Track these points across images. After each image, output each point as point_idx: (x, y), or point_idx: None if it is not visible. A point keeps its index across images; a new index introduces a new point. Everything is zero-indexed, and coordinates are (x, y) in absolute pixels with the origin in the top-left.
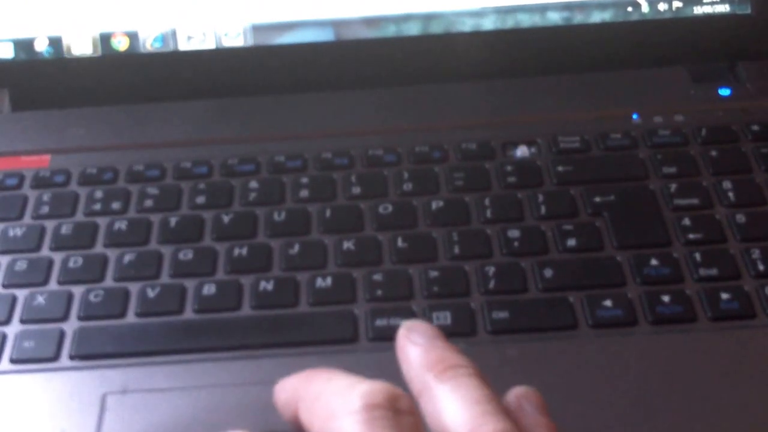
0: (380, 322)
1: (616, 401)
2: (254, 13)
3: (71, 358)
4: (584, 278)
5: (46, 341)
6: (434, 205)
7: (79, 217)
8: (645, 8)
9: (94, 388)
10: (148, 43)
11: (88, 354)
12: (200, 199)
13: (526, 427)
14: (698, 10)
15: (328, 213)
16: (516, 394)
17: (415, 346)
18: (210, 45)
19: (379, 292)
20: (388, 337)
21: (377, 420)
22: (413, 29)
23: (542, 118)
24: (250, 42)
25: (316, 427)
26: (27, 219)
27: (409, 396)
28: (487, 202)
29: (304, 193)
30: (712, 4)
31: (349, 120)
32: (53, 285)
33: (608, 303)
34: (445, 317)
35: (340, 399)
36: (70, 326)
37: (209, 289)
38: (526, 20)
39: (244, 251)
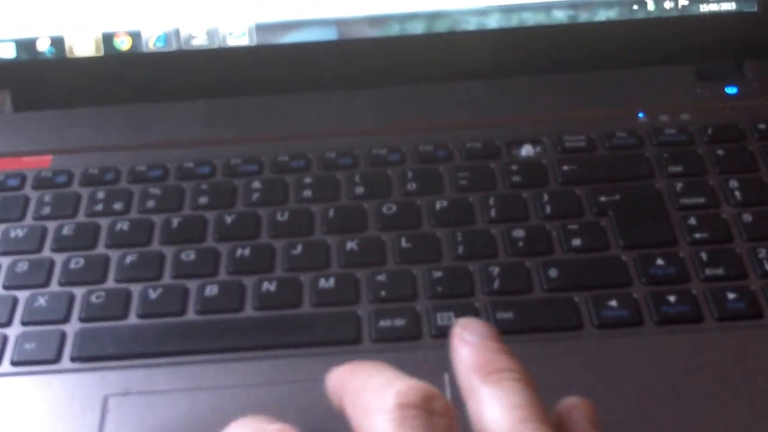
0: (384, 323)
1: (621, 402)
2: (258, 12)
3: (72, 359)
4: (589, 278)
5: (47, 343)
6: (438, 204)
7: (81, 217)
8: (651, 6)
9: (96, 390)
10: (151, 42)
11: (90, 356)
12: (203, 200)
13: None
14: (704, 8)
15: (331, 213)
16: (567, 404)
17: (466, 345)
18: (213, 44)
19: (383, 293)
20: (391, 338)
21: (409, 420)
22: (417, 28)
23: (547, 117)
24: (253, 41)
25: (355, 422)
26: (28, 220)
27: (445, 397)
28: (491, 201)
29: (307, 193)
30: (718, 2)
31: (352, 119)
32: (54, 286)
33: (614, 303)
34: (449, 318)
35: (376, 396)
36: (72, 328)
37: (211, 290)
38: (530, 19)
39: (247, 252)
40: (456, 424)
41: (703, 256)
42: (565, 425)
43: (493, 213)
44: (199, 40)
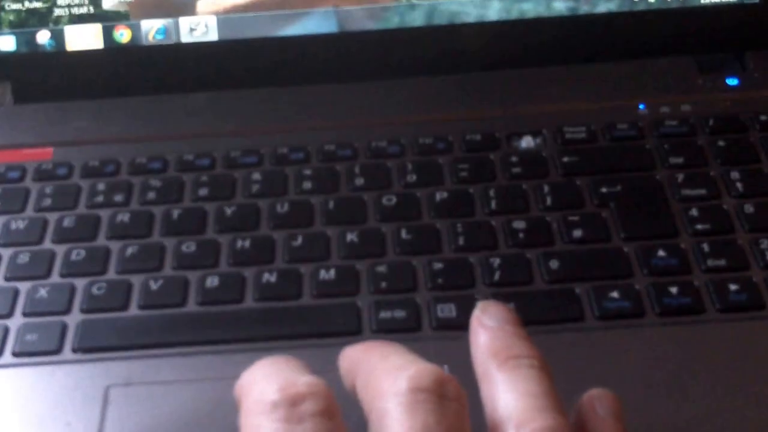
0: (384, 314)
1: (622, 393)
2: (257, 4)
3: (74, 351)
4: (591, 269)
5: (48, 334)
6: (438, 196)
7: (82, 209)
8: None
9: (97, 381)
10: (151, 35)
11: (91, 347)
12: (203, 192)
13: (592, 429)
14: None
15: (331, 205)
16: (590, 395)
17: (485, 330)
18: (213, 37)
19: (383, 284)
20: (392, 329)
21: (420, 404)
22: (417, 20)
23: (547, 108)
24: (253, 33)
25: (366, 403)
26: (29, 212)
27: (458, 382)
28: (491, 193)
29: (307, 184)
30: None
31: (352, 112)
32: (55, 278)
33: (615, 294)
34: (450, 309)
35: (389, 378)
36: (73, 319)
37: (212, 281)
38: (531, 10)
39: (247, 243)
40: (466, 408)
41: (705, 247)
42: (587, 418)
43: (493, 204)
44: (199, 33)
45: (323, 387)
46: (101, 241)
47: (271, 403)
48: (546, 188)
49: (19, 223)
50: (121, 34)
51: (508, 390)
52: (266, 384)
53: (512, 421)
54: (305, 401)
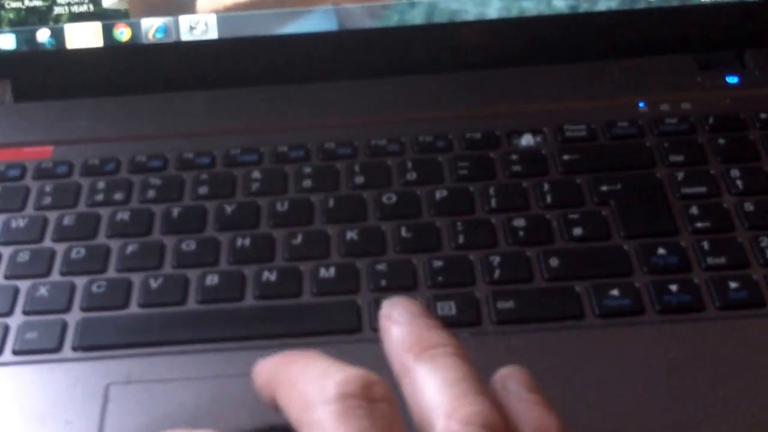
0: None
1: (622, 391)
2: (257, 2)
3: (74, 349)
4: (591, 267)
5: (48, 332)
6: (438, 194)
7: (82, 208)
8: None
9: (98, 379)
10: (151, 33)
11: (91, 345)
12: (203, 190)
13: (512, 407)
14: None
15: (331, 203)
16: (500, 375)
17: (396, 325)
18: (213, 35)
19: (383, 282)
20: None
21: (351, 410)
22: (417, 18)
23: (547, 106)
24: (253, 32)
25: (294, 415)
26: (29, 210)
27: (384, 382)
28: (491, 191)
29: (307, 183)
30: None
31: (352, 110)
32: (56, 276)
33: (615, 292)
34: (450, 307)
35: (315, 388)
36: (73, 317)
37: (212, 279)
38: (531, 8)
39: (247, 242)
40: (397, 407)
41: (705, 245)
42: (504, 397)
43: (493, 202)
44: (199, 31)
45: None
46: (101, 239)
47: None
48: (546, 186)
49: (19, 222)
50: (121, 33)
51: (430, 381)
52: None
53: (440, 411)
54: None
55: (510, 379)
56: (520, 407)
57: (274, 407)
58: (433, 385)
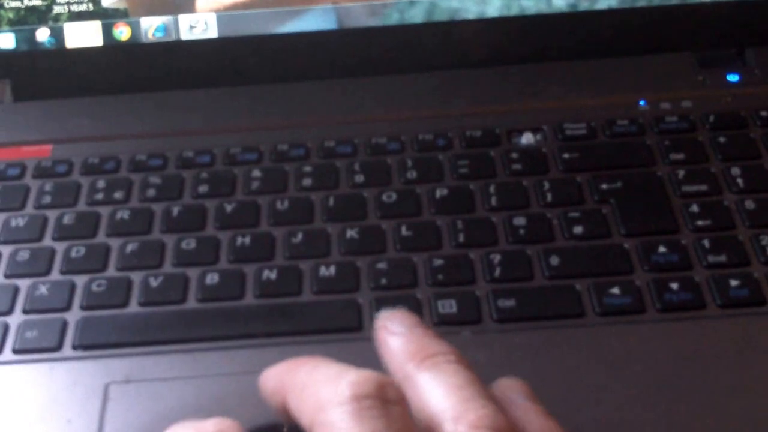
0: (384, 311)
1: (623, 389)
2: (257, 1)
3: (74, 347)
4: (591, 266)
5: (48, 331)
6: (438, 192)
7: (82, 206)
8: None
9: (97, 378)
10: (150, 32)
11: (91, 344)
12: (203, 188)
13: (516, 415)
14: None
15: (331, 201)
16: (501, 386)
17: (394, 336)
18: (212, 34)
19: (384, 281)
20: None
21: (366, 410)
22: (417, 17)
23: (548, 104)
24: (253, 31)
25: (306, 418)
26: (29, 209)
27: (398, 384)
28: (492, 189)
29: (307, 181)
30: None
31: (352, 108)
32: (56, 275)
33: (616, 291)
34: (451, 305)
35: (328, 389)
36: (73, 316)
37: (212, 278)
38: (531, 7)
39: (247, 240)
40: (409, 409)
41: (706, 243)
42: (507, 406)
43: (493, 201)
44: (198, 30)
45: (230, 423)
46: (101, 238)
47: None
48: (546, 184)
49: (19, 221)
50: (121, 32)
51: (435, 387)
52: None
53: (447, 415)
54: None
55: (510, 389)
56: (521, 413)
57: (285, 414)
58: (437, 390)
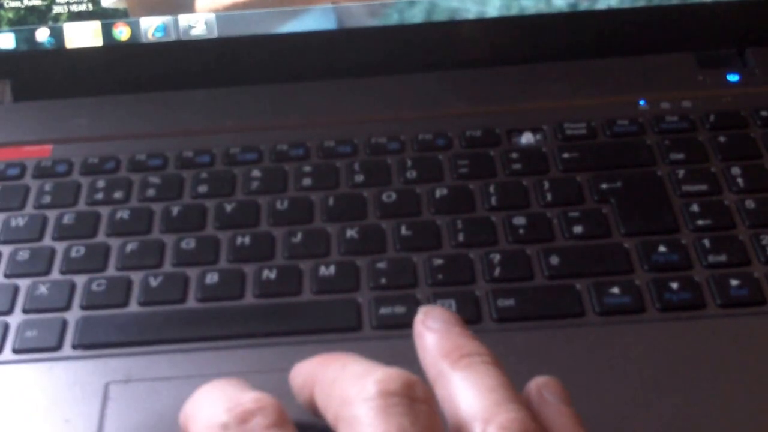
0: (384, 311)
1: (623, 389)
2: (256, 1)
3: (74, 347)
4: (591, 265)
5: (48, 331)
6: (438, 192)
7: (81, 206)
8: None
9: (97, 378)
10: (150, 32)
11: (91, 343)
12: (202, 188)
13: (547, 416)
14: None
15: (331, 201)
16: (536, 384)
17: (431, 332)
18: (212, 34)
19: (383, 281)
20: (392, 325)
21: (392, 407)
22: (417, 17)
23: (547, 104)
24: (252, 31)
25: (332, 413)
26: (29, 209)
27: (425, 383)
28: (492, 189)
29: (306, 181)
30: None
31: (352, 108)
32: (55, 274)
33: (616, 290)
34: (450, 305)
35: (355, 385)
36: (73, 315)
37: (212, 277)
38: (530, 7)
39: (247, 240)
40: (436, 409)
41: (706, 242)
42: (540, 406)
43: (493, 200)
44: (198, 30)
45: (270, 400)
46: (101, 237)
47: (221, 424)
48: (546, 184)
49: (18, 221)
50: (121, 32)
51: (467, 387)
52: (212, 407)
53: (478, 418)
54: (255, 417)
55: (546, 388)
56: (554, 417)
57: (312, 409)
58: (470, 391)
